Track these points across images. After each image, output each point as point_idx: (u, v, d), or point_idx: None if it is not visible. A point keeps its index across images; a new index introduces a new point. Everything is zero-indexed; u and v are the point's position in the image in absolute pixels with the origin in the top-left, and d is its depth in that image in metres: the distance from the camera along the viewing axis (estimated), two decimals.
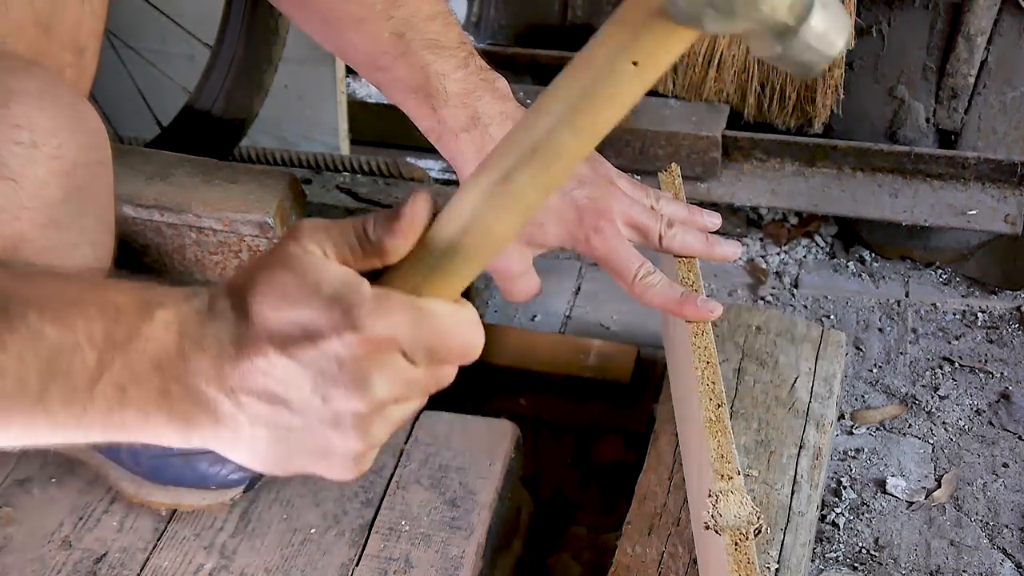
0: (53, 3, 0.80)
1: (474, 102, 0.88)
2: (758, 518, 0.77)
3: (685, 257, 0.93)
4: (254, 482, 1.02)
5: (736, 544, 0.76)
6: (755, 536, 0.77)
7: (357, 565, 0.98)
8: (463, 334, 0.59)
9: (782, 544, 0.95)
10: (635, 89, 0.58)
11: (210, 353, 0.56)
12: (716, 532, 0.78)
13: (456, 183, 1.01)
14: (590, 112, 0.58)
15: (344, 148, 1.67)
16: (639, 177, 1.56)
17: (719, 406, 0.84)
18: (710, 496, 0.78)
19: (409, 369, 0.57)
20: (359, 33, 0.88)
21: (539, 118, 0.58)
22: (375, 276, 0.59)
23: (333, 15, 0.89)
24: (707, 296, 0.90)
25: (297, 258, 0.56)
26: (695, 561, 0.93)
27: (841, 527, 1.16)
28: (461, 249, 0.59)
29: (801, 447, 1.04)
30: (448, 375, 0.60)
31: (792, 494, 0.99)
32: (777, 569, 0.93)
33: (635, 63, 0.57)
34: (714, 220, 0.95)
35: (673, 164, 1.06)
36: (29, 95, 0.73)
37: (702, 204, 1.59)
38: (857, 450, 1.25)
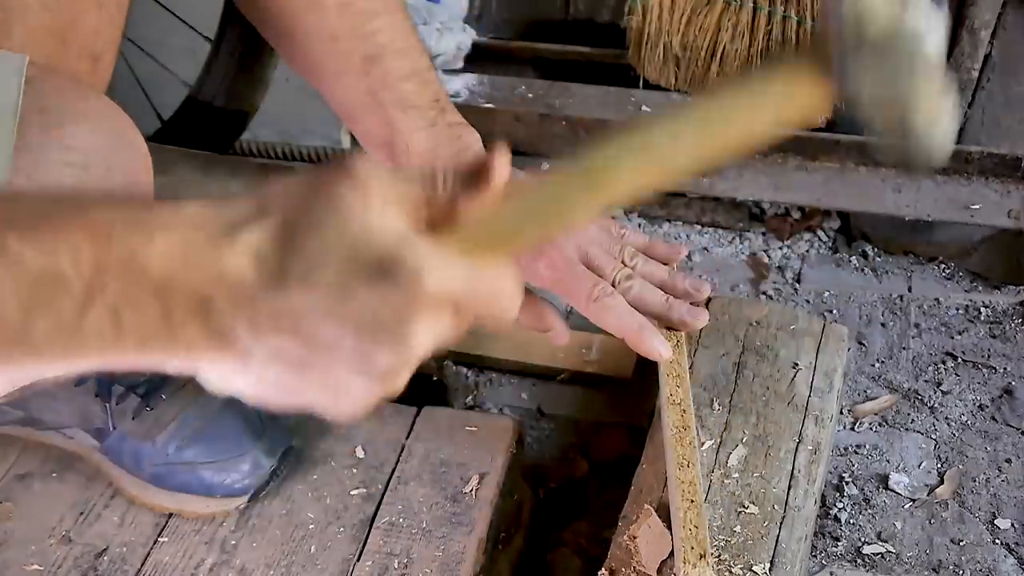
0: (71, 12, 0.81)
1: (435, 158, 0.92)
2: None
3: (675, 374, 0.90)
4: (259, 491, 1.02)
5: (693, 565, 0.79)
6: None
7: (358, 560, 0.97)
8: (507, 300, 0.57)
9: (777, 539, 0.94)
10: (765, 129, 0.58)
11: (233, 286, 0.52)
12: None
13: None
14: (713, 138, 0.57)
15: (345, 142, 1.66)
16: None
17: (691, 478, 0.85)
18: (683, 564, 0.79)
19: (449, 327, 0.55)
20: (337, 86, 0.95)
21: (667, 123, 0.57)
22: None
23: (316, 66, 0.95)
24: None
25: (355, 207, 0.53)
26: None
27: (843, 523, 1.16)
28: (530, 226, 0.57)
29: (799, 441, 1.04)
30: (465, 331, 0.58)
31: (789, 489, 0.99)
32: (772, 565, 0.92)
33: (779, 108, 0.57)
34: (701, 288, 0.93)
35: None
36: (83, 117, 0.74)
37: (704, 199, 1.59)
38: (859, 446, 1.25)
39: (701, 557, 0.84)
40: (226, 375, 0.56)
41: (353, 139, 1.67)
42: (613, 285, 0.89)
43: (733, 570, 0.91)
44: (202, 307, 0.52)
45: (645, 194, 0.58)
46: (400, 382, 0.56)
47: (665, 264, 0.97)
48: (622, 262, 0.91)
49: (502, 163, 0.57)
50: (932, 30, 0.55)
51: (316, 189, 0.54)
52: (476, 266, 0.55)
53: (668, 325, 0.92)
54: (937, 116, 0.55)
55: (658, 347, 0.88)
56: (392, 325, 0.53)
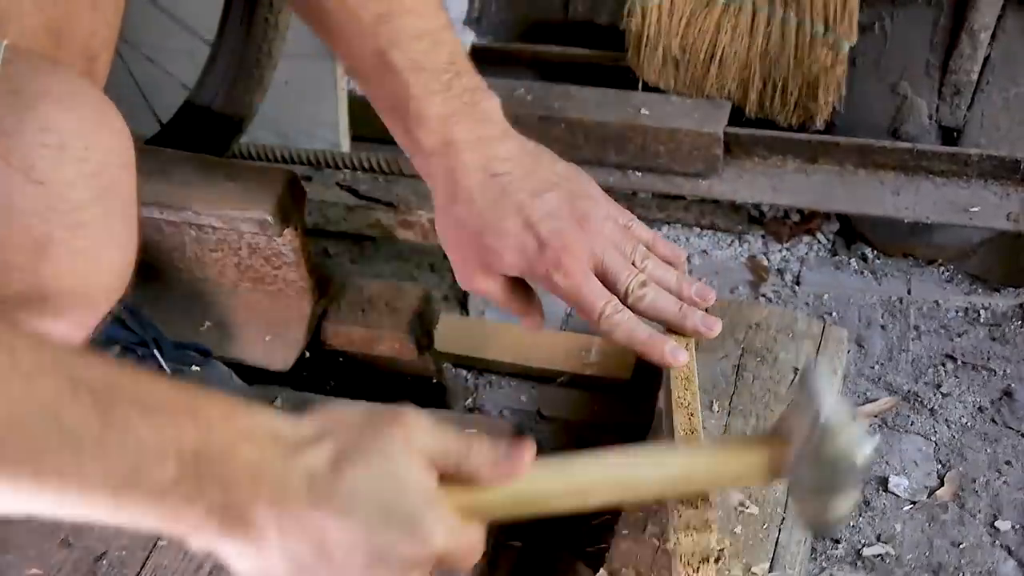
0: (66, 11, 0.80)
1: (451, 127, 0.87)
2: (721, 550, 0.81)
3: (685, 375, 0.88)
4: None
5: (695, 568, 0.80)
6: (715, 563, 0.80)
7: None
8: (476, 556, 0.70)
9: (777, 541, 0.94)
10: (714, 489, 0.80)
11: (287, 496, 0.62)
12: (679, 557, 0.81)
13: None
14: (674, 486, 0.76)
15: (345, 145, 1.66)
16: (639, 174, 1.58)
17: (694, 431, 0.85)
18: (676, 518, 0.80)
19: (430, 568, 0.67)
20: (348, 46, 0.89)
21: (640, 466, 0.75)
22: None
23: (326, 24, 0.90)
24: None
25: (401, 454, 0.65)
26: None
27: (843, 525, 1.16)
28: (521, 507, 0.71)
29: None
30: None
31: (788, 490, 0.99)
32: (771, 566, 0.92)
33: (728, 479, 0.77)
34: (707, 296, 0.91)
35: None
36: (56, 97, 0.73)
37: (703, 201, 1.60)
38: None
39: (704, 560, 0.84)
40: (235, 555, 0.64)
41: (352, 140, 1.68)
42: (627, 293, 0.88)
43: (732, 571, 0.91)
44: (253, 503, 0.61)
45: (604, 508, 0.75)
46: None
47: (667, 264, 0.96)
48: (632, 263, 0.90)
49: (526, 458, 0.70)
50: (865, 453, 0.69)
51: (370, 427, 0.65)
52: (466, 529, 0.68)
53: (681, 333, 0.90)
54: (848, 508, 0.72)
55: (671, 355, 0.87)
56: (395, 567, 0.64)
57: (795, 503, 0.75)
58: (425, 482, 0.66)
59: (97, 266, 0.77)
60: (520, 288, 0.92)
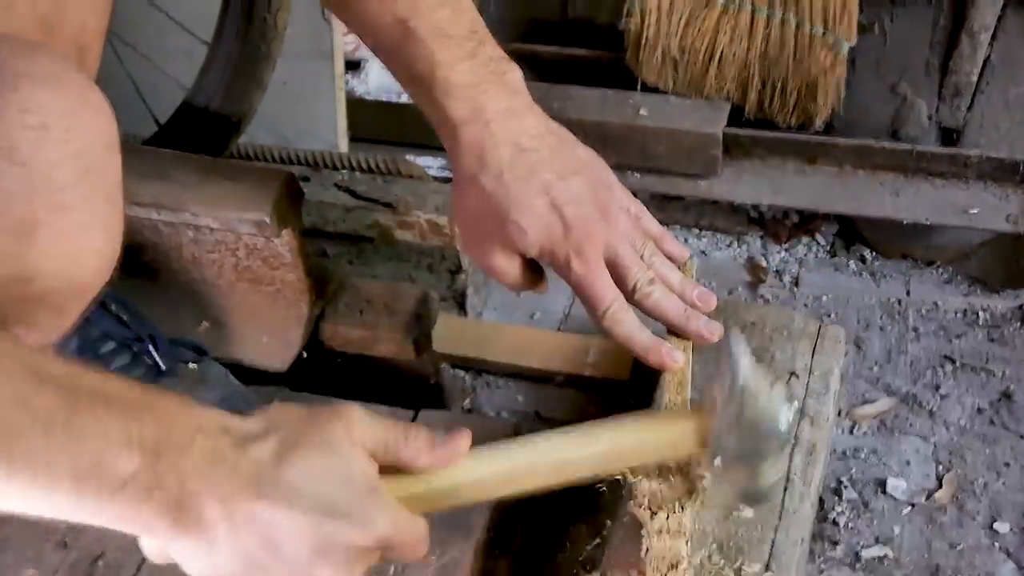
0: (57, 4, 0.80)
1: (478, 95, 0.85)
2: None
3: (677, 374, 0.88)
4: None
5: (663, 574, 0.81)
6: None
7: None
8: (423, 547, 0.72)
9: (773, 542, 0.94)
10: (648, 461, 0.79)
11: (236, 488, 0.63)
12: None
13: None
14: (609, 461, 0.77)
15: (343, 145, 1.66)
16: (639, 175, 1.57)
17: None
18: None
19: (377, 559, 0.69)
20: (366, 15, 0.86)
21: (573, 444, 0.76)
22: None
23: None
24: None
25: (342, 446, 0.67)
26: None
27: (841, 527, 1.16)
28: (460, 495, 0.73)
29: (795, 444, 1.03)
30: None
31: (785, 491, 0.99)
32: (767, 568, 0.92)
33: (662, 450, 0.78)
34: (708, 301, 0.91)
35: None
36: (38, 78, 0.72)
37: (702, 202, 1.59)
38: (857, 449, 1.25)
39: (673, 567, 0.84)
40: (188, 554, 0.66)
41: (350, 140, 1.68)
42: (635, 289, 0.87)
43: (728, 572, 0.90)
44: (204, 499, 0.62)
45: (544, 491, 0.76)
46: None
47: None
48: (640, 257, 0.89)
49: (461, 445, 0.72)
50: (785, 417, 0.72)
51: (312, 422, 0.67)
52: (410, 518, 0.70)
53: (683, 335, 0.90)
54: (776, 475, 0.75)
55: (668, 358, 0.86)
56: (341, 554, 0.66)
57: (723, 472, 0.76)
58: (367, 472, 0.68)
59: (82, 248, 0.76)
60: (531, 270, 0.90)
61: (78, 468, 0.59)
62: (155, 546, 0.69)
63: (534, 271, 0.91)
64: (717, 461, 0.74)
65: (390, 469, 0.71)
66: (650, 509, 0.80)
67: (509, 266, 0.88)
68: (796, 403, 0.76)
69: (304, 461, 0.65)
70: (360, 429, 0.68)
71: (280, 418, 0.68)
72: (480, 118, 0.85)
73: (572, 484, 0.77)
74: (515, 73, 0.88)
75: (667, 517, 0.81)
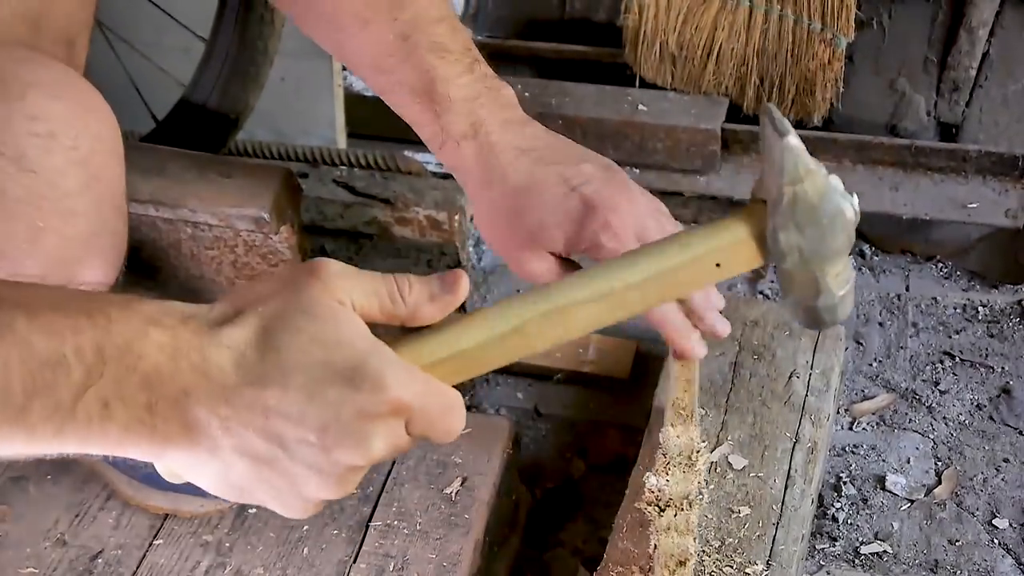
0: None
1: (477, 109, 0.85)
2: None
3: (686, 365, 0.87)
4: None
5: (671, 571, 0.80)
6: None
7: (355, 562, 0.97)
8: (456, 419, 0.61)
9: (774, 539, 0.94)
10: (707, 281, 0.67)
11: (213, 380, 0.56)
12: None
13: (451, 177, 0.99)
14: (662, 286, 0.65)
15: (341, 142, 1.66)
16: (637, 171, 1.57)
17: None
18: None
19: (403, 436, 0.59)
20: (363, 34, 0.86)
21: (613, 271, 0.65)
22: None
23: (337, 15, 0.87)
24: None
25: (325, 307, 0.58)
26: None
27: (841, 523, 1.16)
28: (492, 353, 0.63)
29: (796, 441, 1.03)
30: (414, 445, 0.62)
31: (785, 488, 0.99)
32: (768, 565, 0.92)
33: (718, 264, 0.65)
34: (718, 300, 0.87)
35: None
36: (45, 86, 0.73)
37: (701, 198, 1.59)
38: (857, 446, 1.25)
39: (681, 564, 0.83)
40: (191, 466, 0.59)
41: (348, 137, 1.67)
42: None
43: (728, 570, 0.91)
44: (183, 400, 0.55)
45: (596, 330, 0.65)
46: (351, 485, 0.60)
47: None
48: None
49: (463, 285, 0.62)
50: (849, 207, 0.62)
51: (286, 291, 0.58)
52: (432, 381, 0.60)
53: (699, 324, 0.89)
54: (840, 283, 0.64)
55: (698, 346, 0.83)
56: (354, 427, 0.57)
57: (787, 282, 0.66)
58: (358, 329, 0.58)
59: (89, 253, 0.77)
60: (570, 267, 0.87)
61: (14, 397, 0.53)
62: (162, 464, 0.62)
63: (574, 269, 0.88)
64: (784, 265, 0.64)
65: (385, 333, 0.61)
66: (658, 506, 0.80)
67: (545, 269, 0.85)
68: (855, 195, 0.64)
69: (287, 336, 0.56)
70: (341, 286, 0.59)
71: (249, 297, 0.59)
72: (480, 132, 0.85)
73: (619, 320, 0.65)
74: (508, 89, 0.88)
75: (675, 515, 0.80)
